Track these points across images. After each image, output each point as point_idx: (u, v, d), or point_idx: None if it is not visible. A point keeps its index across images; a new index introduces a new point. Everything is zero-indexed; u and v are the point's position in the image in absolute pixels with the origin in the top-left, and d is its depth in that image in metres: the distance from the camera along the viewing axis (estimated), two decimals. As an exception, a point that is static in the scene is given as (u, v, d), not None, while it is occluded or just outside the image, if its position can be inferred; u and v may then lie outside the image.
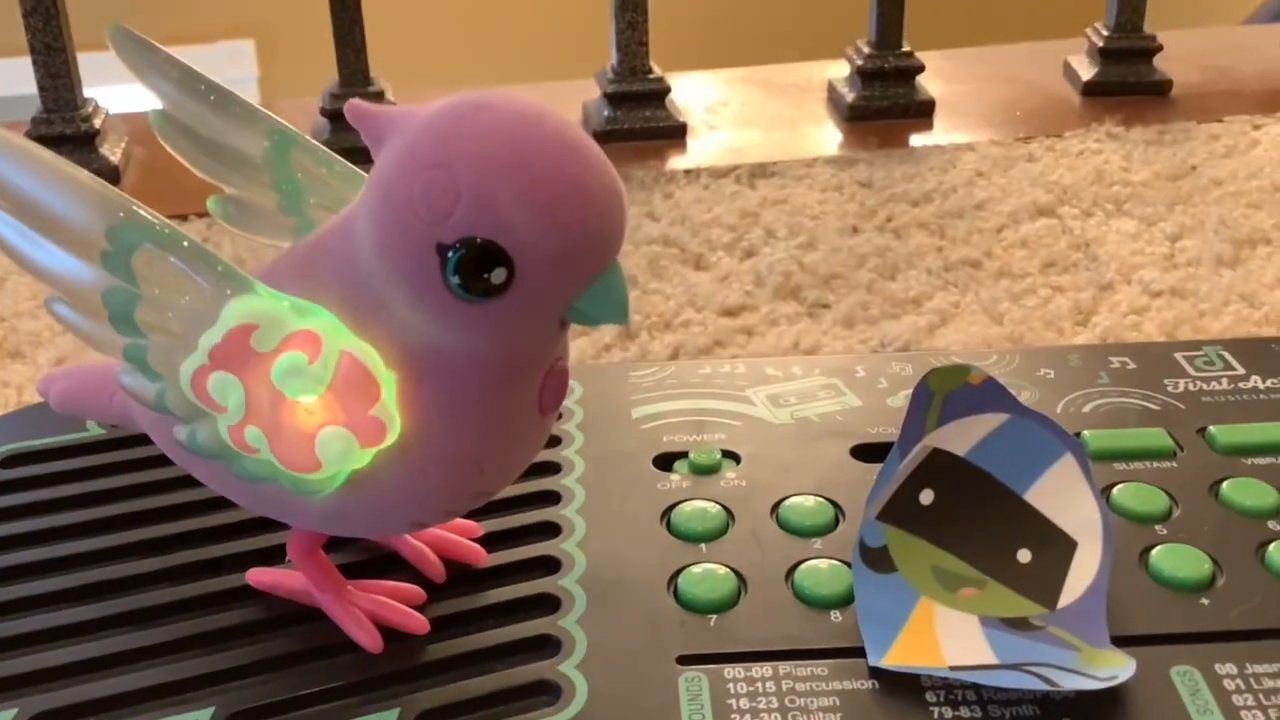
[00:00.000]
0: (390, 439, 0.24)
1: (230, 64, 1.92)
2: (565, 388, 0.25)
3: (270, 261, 0.26)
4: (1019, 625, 0.26)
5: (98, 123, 0.63)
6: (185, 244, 0.24)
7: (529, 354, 0.24)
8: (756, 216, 0.59)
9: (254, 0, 1.86)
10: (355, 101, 0.23)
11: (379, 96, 0.66)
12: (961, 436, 0.28)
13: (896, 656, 0.26)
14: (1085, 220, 0.57)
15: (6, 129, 0.24)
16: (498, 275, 0.22)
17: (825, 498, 0.31)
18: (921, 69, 0.68)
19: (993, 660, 0.26)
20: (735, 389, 0.36)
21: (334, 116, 0.64)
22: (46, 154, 0.24)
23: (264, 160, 0.28)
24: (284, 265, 0.25)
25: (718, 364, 0.37)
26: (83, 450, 0.33)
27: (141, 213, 0.23)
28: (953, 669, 0.25)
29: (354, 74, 0.66)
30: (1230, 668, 0.25)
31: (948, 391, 0.28)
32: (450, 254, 0.22)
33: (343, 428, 0.23)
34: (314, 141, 0.28)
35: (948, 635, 0.26)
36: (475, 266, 0.22)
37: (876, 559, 0.27)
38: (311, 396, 0.23)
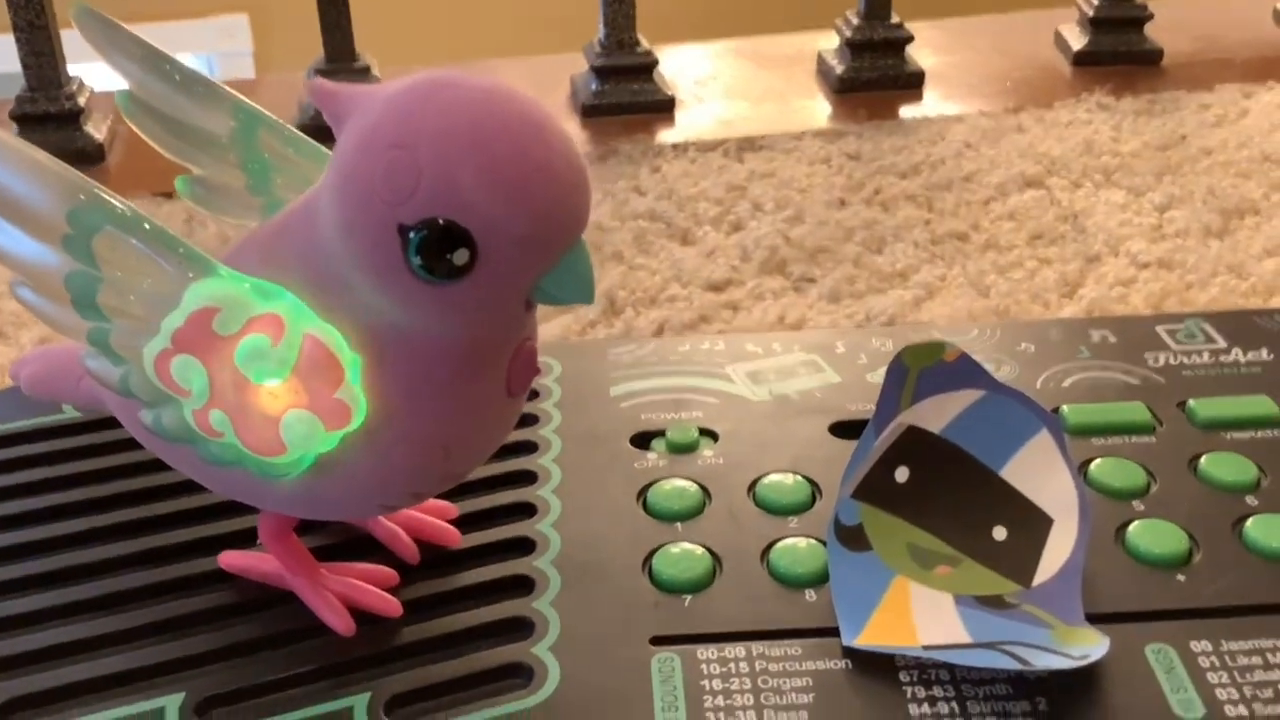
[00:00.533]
0: (355, 422, 0.23)
1: (224, 38, 1.91)
2: (534, 368, 0.25)
3: (235, 243, 0.26)
4: (994, 604, 0.26)
5: (82, 100, 0.62)
6: (147, 226, 0.23)
7: (495, 335, 0.24)
8: (744, 190, 0.58)
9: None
10: (317, 80, 0.23)
11: (364, 73, 0.65)
12: (937, 413, 0.27)
13: (871, 636, 0.26)
14: (1074, 191, 0.57)
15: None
16: (460, 256, 0.22)
17: (803, 475, 0.31)
18: (910, 40, 0.68)
19: (967, 639, 0.25)
20: (715, 366, 0.35)
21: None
22: (6, 136, 0.23)
23: (230, 140, 0.27)
24: (248, 247, 0.25)
25: (697, 341, 0.37)
26: (58, 433, 0.33)
27: (102, 195, 0.23)
28: (926, 649, 0.25)
29: (339, 50, 0.65)
30: (1205, 645, 0.25)
31: (922, 368, 0.27)
32: (412, 235, 0.21)
33: (307, 411, 0.23)
34: (280, 121, 0.28)
35: (922, 614, 0.26)
36: (437, 248, 0.21)
37: (851, 537, 0.27)
38: (275, 380, 0.23)
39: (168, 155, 0.28)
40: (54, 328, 0.25)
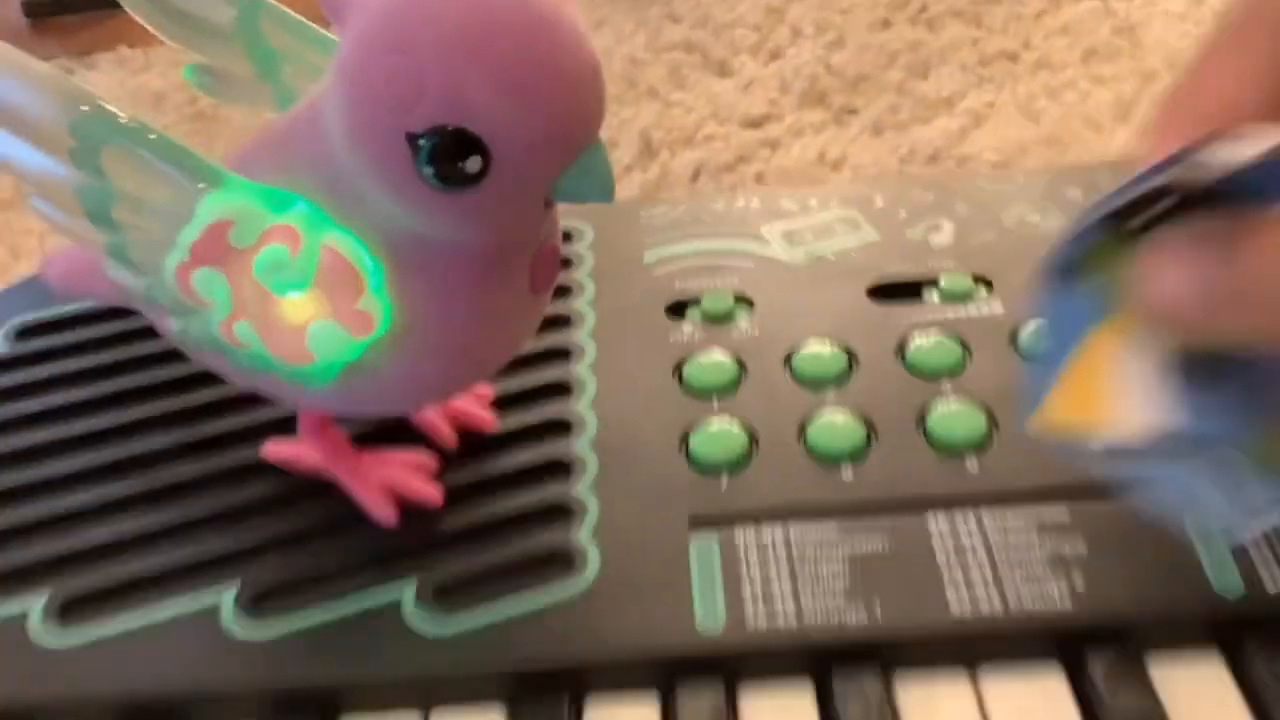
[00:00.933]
0: (380, 330, 0.23)
1: None
2: (557, 266, 0.24)
3: (243, 146, 0.25)
4: (1217, 373, 0.21)
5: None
6: (153, 136, 0.23)
7: (514, 238, 0.23)
8: (782, 13, 0.56)
9: None
10: (315, -23, 0.22)
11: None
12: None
13: (1053, 412, 0.22)
14: (1130, 2, 0.54)
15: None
16: (473, 164, 0.21)
17: (840, 344, 0.30)
18: None
19: (1174, 422, 0.21)
20: (749, 227, 0.35)
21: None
22: (5, 48, 0.23)
23: (234, 29, 0.26)
24: (259, 149, 0.24)
25: (731, 199, 0.36)
26: (93, 319, 0.33)
27: (105, 106, 0.23)
28: (1109, 450, 0.21)
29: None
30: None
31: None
32: (421, 143, 0.21)
33: (331, 320, 0.23)
34: (283, 8, 0.26)
35: (1123, 382, 0.21)
36: (448, 156, 0.21)
37: (1068, 268, 0.22)
38: (297, 291, 0.23)
39: (172, 43, 0.27)
40: (74, 240, 0.24)
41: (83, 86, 0.23)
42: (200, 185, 0.23)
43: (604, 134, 0.22)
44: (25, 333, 0.33)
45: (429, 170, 0.21)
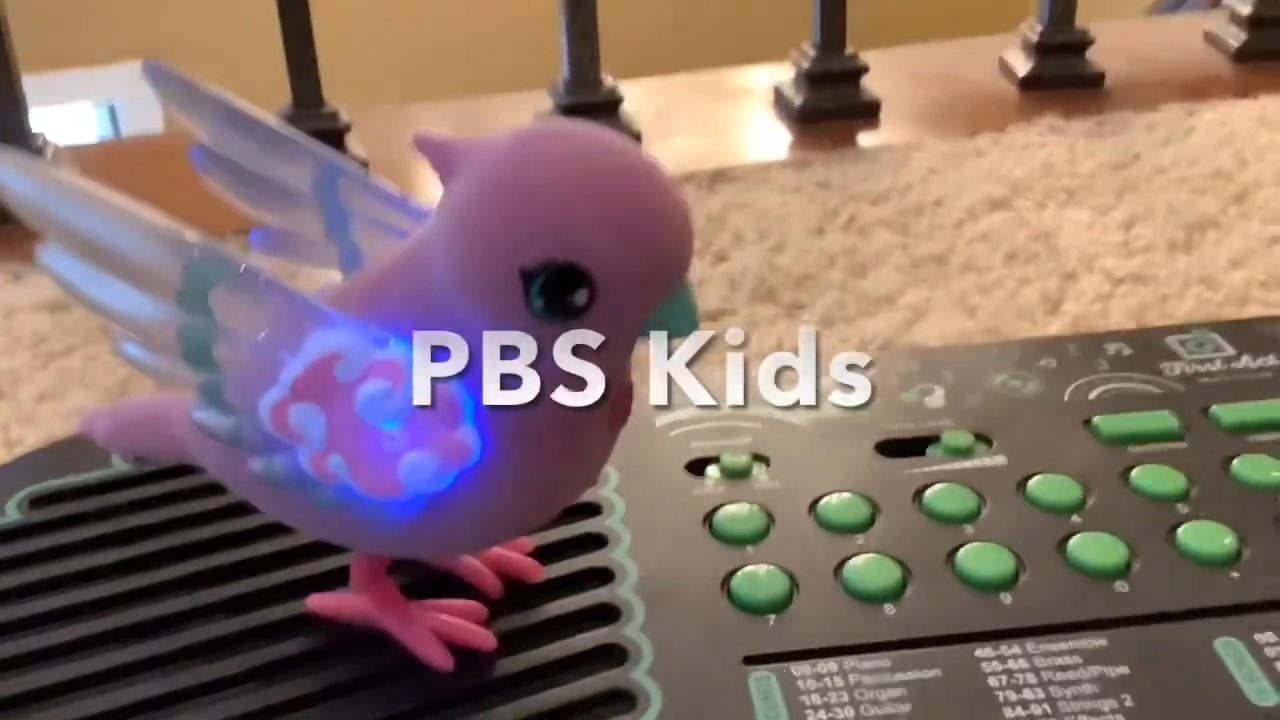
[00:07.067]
0: (471, 461, 0.24)
1: (131, 86, 1.88)
2: (630, 403, 0.26)
3: (332, 293, 0.26)
4: None
5: (48, 155, 0.62)
6: (262, 279, 0.24)
7: (604, 372, 0.24)
8: (722, 221, 0.60)
9: (149, 20, 1.82)
10: (423, 132, 0.24)
11: (333, 118, 0.65)
12: None
13: None
14: (1040, 212, 0.59)
15: (75, 175, 0.24)
16: (580, 297, 0.22)
17: (859, 494, 0.32)
18: (866, 70, 0.70)
19: None
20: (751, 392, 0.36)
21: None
22: (113, 195, 0.24)
23: (312, 191, 0.28)
24: (351, 297, 0.25)
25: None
26: (113, 487, 0.33)
27: (219, 249, 0.24)
28: None
29: (306, 96, 0.66)
30: (1270, 636, 0.27)
31: None
32: (534, 278, 0.22)
33: (426, 451, 0.24)
34: (360, 169, 0.28)
35: None
36: (559, 289, 0.22)
37: None
38: (396, 424, 0.24)
39: (241, 208, 0.28)
40: (161, 381, 0.25)
41: (194, 231, 0.24)
42: (307, 324, 0.24)
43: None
44: (41, 501, 0.33)
45: (539, 303, 0.22)
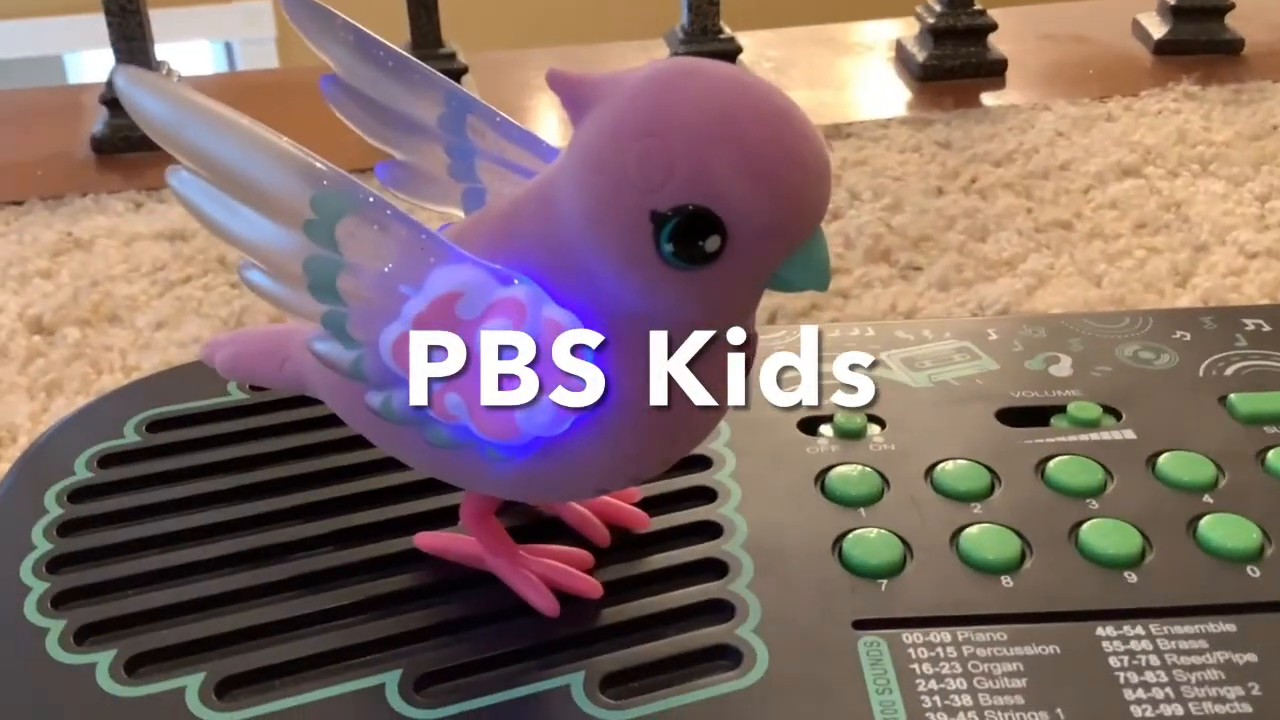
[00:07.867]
0: (591, 405, 0.24)
1: (247, 24, 1.90)
2: (754, 354, 0.25)
3: (457, 229, 0.26)
4: None
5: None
6: (389, 212, 0.23)
7: (729, 321, 0.24)
8: (838, 178, 0.58)
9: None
10: (555, 70, 0.23)
11: (451, 59, 0.65)
12: None
13: None
14: (1172, 180, 0.57)
15: (210, 99, 0.24)
16: (712, 243, 0.22)
17: (979, 462, 0.31)
18: (994, 27, 0.68)
19: None
20: (868, 352, 0.36)
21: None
22: (247, 121, 0.24)
23: (439, 125, 0.27)
24: (477, 233, 0.25)
25: (846, 327, 0.37)
26: (229, 414, 0.34)
27: (348, 180, 0.23)
28: None
29: (425, 35, 0.66)
30: None
31: None
32: (665, 222, 0.22)
33: (546, 394, 0.23)
34: (490, 106, 0.28)
35: None
36: (690, 234, 0.22)
37: None
38: (517, 364, 0.23)
39: (368, 139, 0.28)
40: (284, 310, 0.25)
41: (325, 161, 0.24)
42: (431, 259, 0.23)
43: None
44: (157, 425, 0.33)
45: (670, 247, 0.22)
